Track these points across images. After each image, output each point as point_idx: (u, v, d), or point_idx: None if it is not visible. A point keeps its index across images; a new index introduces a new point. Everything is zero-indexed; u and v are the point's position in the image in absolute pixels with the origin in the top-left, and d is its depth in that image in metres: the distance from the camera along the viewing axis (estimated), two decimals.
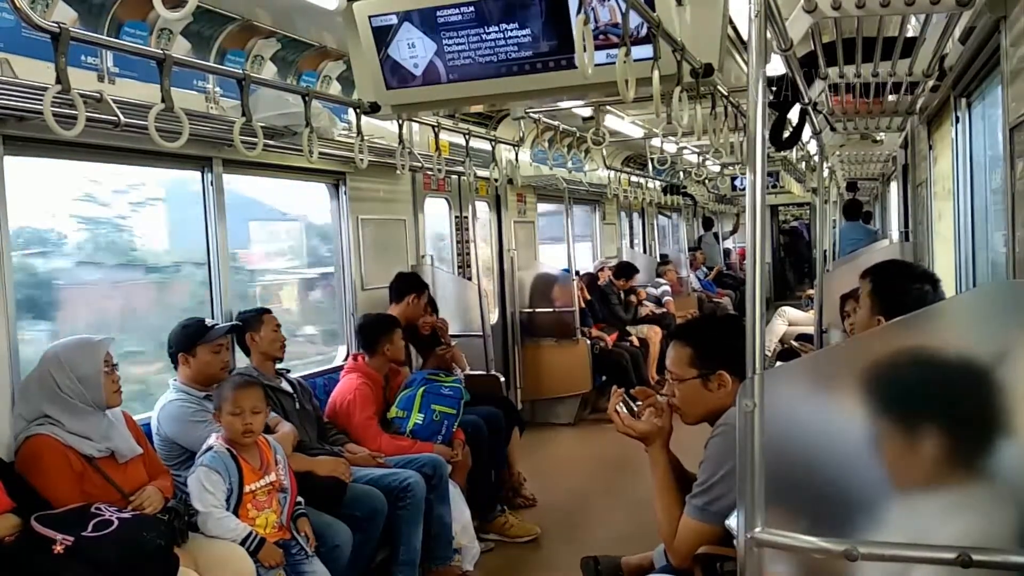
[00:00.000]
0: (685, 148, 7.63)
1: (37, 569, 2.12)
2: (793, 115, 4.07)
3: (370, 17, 2.92)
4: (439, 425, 3.73)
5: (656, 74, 2.45)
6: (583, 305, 6.70)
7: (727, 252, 13.56)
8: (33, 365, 2.57)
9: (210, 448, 2.67)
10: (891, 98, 3.63)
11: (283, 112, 3.43)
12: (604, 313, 7.02)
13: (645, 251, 10.33)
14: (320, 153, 3.29)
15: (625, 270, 7.50)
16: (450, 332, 4.79)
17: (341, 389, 3.75)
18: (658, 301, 8.35)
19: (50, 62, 2.15)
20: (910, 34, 2.72)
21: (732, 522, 1.74)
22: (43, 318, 3.22)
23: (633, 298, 7.55)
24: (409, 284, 4.34)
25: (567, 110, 5.33)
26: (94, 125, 2.45)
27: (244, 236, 4.30)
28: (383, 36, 2.94)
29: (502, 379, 4.82)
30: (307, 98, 3.16)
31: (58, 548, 2.13)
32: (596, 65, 2.11)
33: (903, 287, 2.39)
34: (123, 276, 3.72)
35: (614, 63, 2.20)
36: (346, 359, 4.09)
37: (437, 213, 5.54)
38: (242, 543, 2.54)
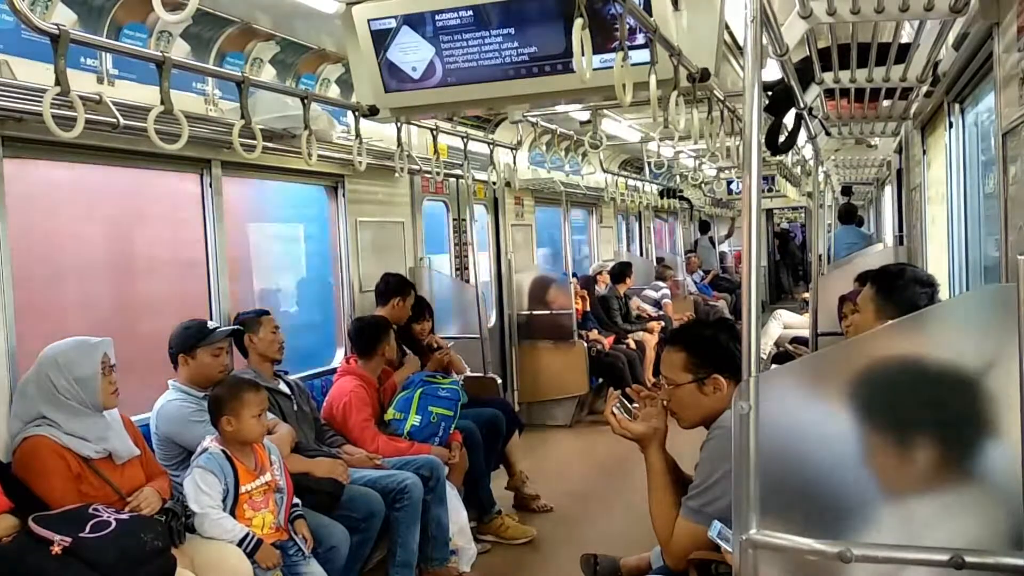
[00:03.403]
0: (682, 152, 7.66)
1: (35, 569, 2.12)
2: (789, 120, 4.09)
3: (369, 20, 2.93)
4: (436, 427, 3.74)
5: (653, 78, 2.47)
6: (587, 308, 6.73)
7: (723, 255, 13.60)
8: None
9: (205, 450, 2.67)
10: (885, 103, 3.66)
11: (282, 115, 3.44)
12: (604, 320, 7.04)
13: (642, 254, 10.37)
14: (319, 155, 3.30)
15: (620, 272, 7.51)
16: (448, 334, 4.81)
17: (336, 392, 3.75)
18: (657, 303, 8.37)
19: (49, 64, 2.16)
20: (904, 40, 2.74)
21: (714, 532, 1.76)
22: None
23: (635, 309, 7.58)
24: (394, 287, 4.34)
25: (565, 114, 5.35)
26: (93, 127, 2.46)
27: None
28: (382, 39, 2.95)
29: (499, 381, 4.83)
30: (306, 101, 3.17)
31: (56, 549, 2.14)
32: (594, 69, 2.13)
33: (914, 292, 2.42)
34: None
35: (612, 67, 2.22)
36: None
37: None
38: (239, 544, 2.54)
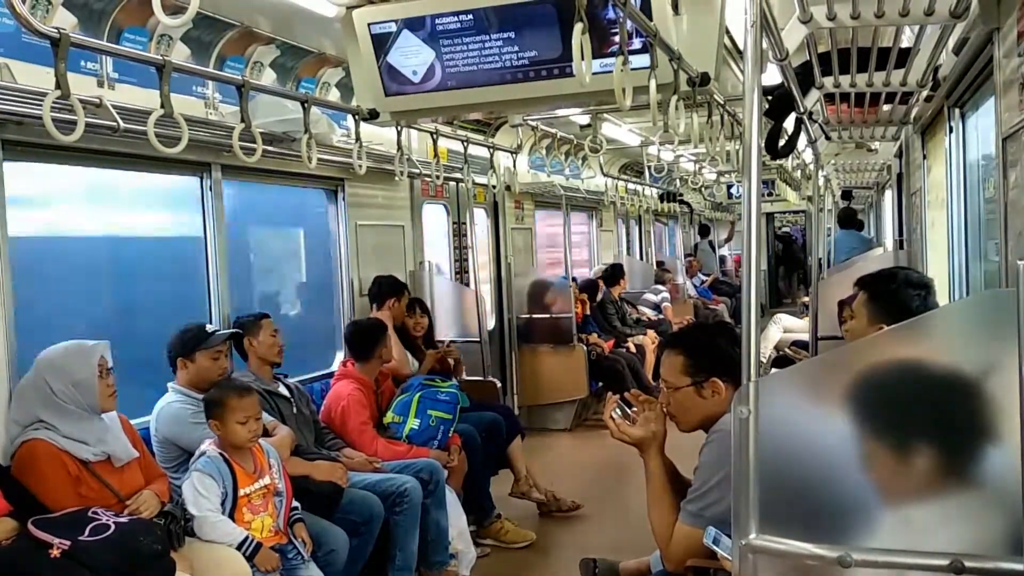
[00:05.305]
0: (682, 156, 7.67)
1: (34, 573, 2.12)
2: (789, 124, 4.09)
3: (369, 24, 2.94)
4: (435, 430, 3.73)
5: (653, 83, 2.47)
6: (587, 312, 6.72)
7: (723, 259, 13.60)
8: None
9: (203, 454, 2.67)
10: (886, 108, 3.65)
11: (282, 118, 3.45)
12: (602, 324, 7.04)
13: (642, 258, 10.38)
14: (319, 159, 3.30)
15: (612, 275, 7.50)
16: (447, 338, 4.81)
17: (333, 396, 3.74)
18: (656, 307, 8.37)
19: (50, 67, 2.16)
20: (904, 44, 2.74)
21: (709, 539, 1.75)
22: None
23: (631, 311, 7.58)
24: (388, 289, 4.34)
25: (565, 118, 5.35)
26: (93, 130, 2.46)
27: None
28: (382, 43, 2.96)
29: (499, 385, 4.83)
30: (306, 104, 3.17)
31: (55, 552, 2.13)
32: (594, 73, 2.13)
33: (906, 295, 2.40)
34: None
35: (612, 71, 2.22)
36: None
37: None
38: (238, 547, 2.54)
